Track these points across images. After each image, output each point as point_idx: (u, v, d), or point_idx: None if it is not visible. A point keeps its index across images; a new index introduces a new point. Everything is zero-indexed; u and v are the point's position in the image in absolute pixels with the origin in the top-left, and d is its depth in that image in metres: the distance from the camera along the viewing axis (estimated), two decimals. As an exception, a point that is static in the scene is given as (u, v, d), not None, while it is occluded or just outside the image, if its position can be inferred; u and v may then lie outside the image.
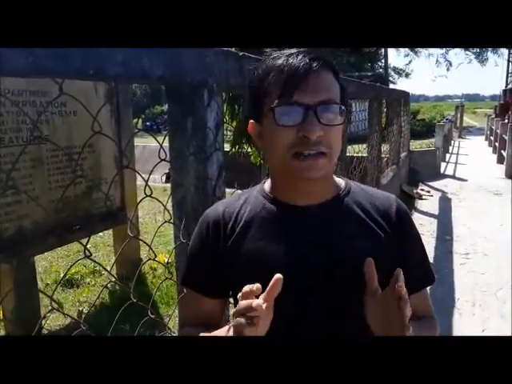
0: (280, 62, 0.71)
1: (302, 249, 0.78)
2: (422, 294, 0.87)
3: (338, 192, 0.83)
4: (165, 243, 4.34)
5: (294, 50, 0.73)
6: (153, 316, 1.03)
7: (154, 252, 1.03)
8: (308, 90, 0.70)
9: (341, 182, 0.86)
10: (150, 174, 0.85)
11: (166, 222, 0.95)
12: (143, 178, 0.86)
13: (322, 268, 0.77)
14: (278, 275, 0.64)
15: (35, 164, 2.82)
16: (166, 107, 26.76)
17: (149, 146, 9.42)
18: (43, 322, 2.97)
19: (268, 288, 0.63)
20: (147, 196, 0.82)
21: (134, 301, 0.91)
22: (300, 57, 0.71)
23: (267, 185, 0.85)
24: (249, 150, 4.27)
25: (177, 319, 2.97)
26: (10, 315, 2.84)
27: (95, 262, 0.93)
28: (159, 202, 0.90)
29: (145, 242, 0.86)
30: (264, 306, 0.61)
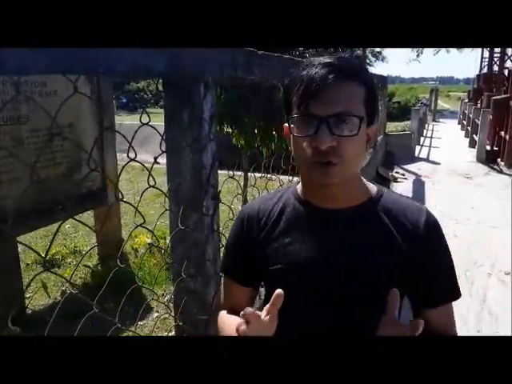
0: (303, 72, 0.75)
1: (324, 250, 0.82)
2: (444, 309, 0.86)
3: (368, 198, 0.85)
4: (147, 223, 4.36)
5: (319, 60, 0.75)
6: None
7: (154, 235, 1.08)
8: (322, 102, 0.72)
9: (373, 188, 0.88)
10: (154, 161, 0.89)
11: (166, 210, 1.00)
12: (146, 168, 0.90)
13: (341, 271, 0.81)
14: (279, 291, 0.69)
15: (15, 144, 2.78)
16: (141, 84, 26.13)
17: (125, 124, 9.29)
18: (27, 301, 2.98)
19: (269, 305, 0.70)
20: (150, 186, 0.87)
21: (140, 284, 0.96)
22: (318, 68, 0.73)
23: (299, 186, 0.89)
24: (229, 130, 4.30)
25: (161, 298, 2.99)
26: (-7, 296, 2.84)
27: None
28: (162, 191, 0.95)
29: (145, 227, 0.91)
30: (267, 318, 0.69)
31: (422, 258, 0.82)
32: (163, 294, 3.05)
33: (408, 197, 0.91)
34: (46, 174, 3.01)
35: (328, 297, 0.82)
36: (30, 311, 2.95)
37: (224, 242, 1.24)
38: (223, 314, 0.95)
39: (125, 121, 10.29)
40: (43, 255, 3.65)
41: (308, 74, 0.74)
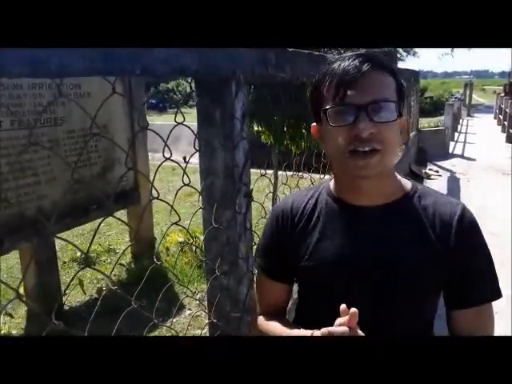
0: (334, 66, 0.77)
1: (356, 247, 0.82)
2: (478, 311, 0.82)
3: (403, 194, 0.84)
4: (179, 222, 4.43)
5: (348, 54, 0.78)
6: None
7: (189, 232, 1.09)
8: (358, 91, 0.74)
9: (407, 184, 0.87)
10: (187, 160, 0.90)
11: (200, 208, 1.01)
12: (180, 166, 0.92)
13: (373, 268, 0.81)
14: (354, 310, 0.69)
15: (52, 145, 2.88)
16: (171, 85, 26.53)
17: (155, 124, 9.46)
18: (63, 298, 3.08)
19: (347, 321, 0.70)
20: (185, 185, 0.88)
21: (175, 281, 0.97)
22: (351, 60, 0.75)
23: (332, 183, 0.89)
24: (259, 129, 4.30)
25: (195, 296, 3.04)
26: (32, 292, 2.95)
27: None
28: (196, 190, 0.96)
29: (180, 225, 0.92)
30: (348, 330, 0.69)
31: (455, 255, 0.80)
32: (195, 292, 3.09)
33: (444, 194, 0.89)
34: (81, 174, 3.10)
35: (358, 294, 0.82)
36: (67, 307, 3.05)
37: (256, 240, 1.24)
38: (266, 320, 0.95)
39: (155, 121, 10.48)
40: (82, 253, 3.77)
41: (341, 66, 0.76)
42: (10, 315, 2.85)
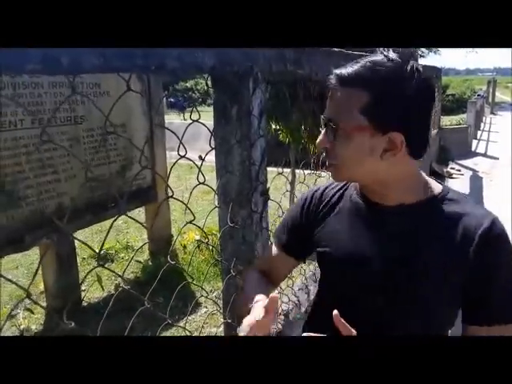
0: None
1: (369, 243, 0.82)
2: (495, 330, 0.77)
3: (429, 197, 0.81)
4: (196, 220, 4.44)
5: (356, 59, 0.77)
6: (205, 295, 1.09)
7: (204, 231, 1.08)
8: (329, 104, 0.78)
9: (437, 187, 0.84)
10: (203, 158, 0.89)
11: (216, 207, 1.00)
12: (195, 164, 0.90)
13: (382, 266, 0.80)
14: (273, 296, 0.72)
15: (72, 143, 2.91)
16: (189, 83, 26.64)
17: (174, 122, 9.52)
18: (82, 294, 3.12)
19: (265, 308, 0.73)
20: (200, 183, 0.86)
21: (189, 280, 0.96)
22: (340, 69, 0.76)
23: None
24: (276, 127, 4.27)
25: (211, 294, 3.04)
26: (52, 288, 3.00)
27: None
28: (211, 188, 0.94)
29: (194, 224, 0.91)
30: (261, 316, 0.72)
31: (475, 270, 0.76)
32: (211, 290, 3.08)
33: (477, 204, 0.84)
34: (100, 172, 3.13)
35: (371, 291, 0.82)
36: (85, 303, 3.08)
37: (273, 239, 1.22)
38: (255, 273, 1.00)
39: (174, 120, 10.53)
40: (98, 250, 3.81)
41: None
42: (30, 310, 2.89)
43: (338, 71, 0.76)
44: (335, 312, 0.69)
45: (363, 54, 2.46)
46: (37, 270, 0.68)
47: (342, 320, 0.69)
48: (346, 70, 0.75)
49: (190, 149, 0.94)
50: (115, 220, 0.81)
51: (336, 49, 1.63)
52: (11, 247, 2.57)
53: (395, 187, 0.81)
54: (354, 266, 0.84)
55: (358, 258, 0.83)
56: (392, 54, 0.74)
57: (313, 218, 0.93)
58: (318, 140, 0.80)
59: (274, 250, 1.00)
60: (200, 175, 0.89)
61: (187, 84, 26.30)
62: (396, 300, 0.80)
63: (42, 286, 3.12)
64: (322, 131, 0.79)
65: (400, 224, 0.80)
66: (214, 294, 2.96)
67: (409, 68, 0.73)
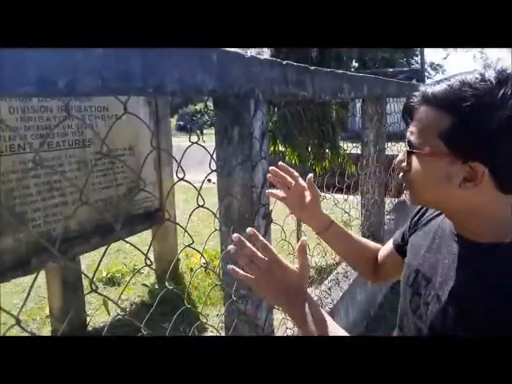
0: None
1: (437, 268, 0.79)
2: None
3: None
4: (201, 243, 4.42)
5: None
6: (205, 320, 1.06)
7: (203, 256, 1.06)
8: (411, 126, 0.73)
9: None
10: (202, 181, 0.88)
11: (216, 230, 0.98)
12: (194, 187, 0.89)
13: (441, 296, 0.76)
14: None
15: (80, 166, 2.94)
16: (199, 106, 27.01)
17: (182, 145, 9.57)
18: (88, 319, 3.09)
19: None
20: (199, 206, 0.85)
21: (188, 306, 0.94)
22: (420, 87, 0.72)
23: None
24: (282, 149, 4.28)
25: (216, 319, 2.99)
26: (57, 312, 2.97)
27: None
28: (211, 211, 0.93)
29: (193, 248, 0.90)
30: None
31: None
32: (217, 315, 3.04)
33: None
34: (107, 195, 3.14)
35: (414, 310, 0.81)
36: (90, 328, 3.05)
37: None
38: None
39: (182, 142, 10.61)
40: (104, 274, 3.80)
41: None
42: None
43: (423, 87, 0.70)
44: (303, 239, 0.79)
45: (376, 76, 2.47)
46: (29, 293, 0.66)
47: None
48: (432, 87, 0.69)
49: (201, 170, 0.93)
50: (107, 248, 0.80)
51: (340, 71, 1.63)
52: (19, 270, 2.56)
53: (480, 221, 0.72)
54: (415, 282, 0.83)
55: (422, 276, 0.82)
56: (489, 74, 0.64)
57: (413, 225, 0.95)
58: (397, 159, 0.76)
59: (389, 244, 1.06)
60: (200, 198, 0.87)
61: (196, 107, 26.65)
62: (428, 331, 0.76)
63: (47, 310, 3.10)
64: (403, 150, 0.75)
65: (472, 260, 0.73)
66: (221, 319, 2.91)
67: (502, 92, 0.62)
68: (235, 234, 0.77)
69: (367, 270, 1.12)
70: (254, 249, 0.78)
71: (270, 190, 1.04)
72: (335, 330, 0.74)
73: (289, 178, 1.01)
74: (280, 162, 1.03)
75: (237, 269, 0.79)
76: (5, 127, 2.32)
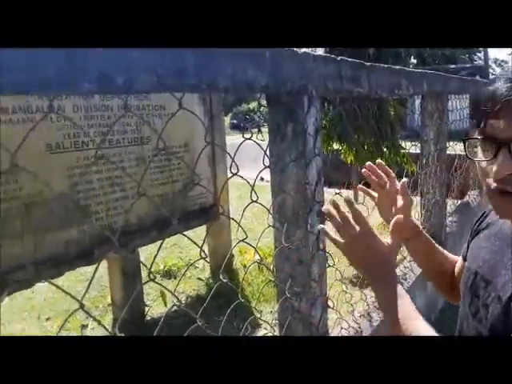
0: (489, 87, 0.64)
1: (496, 269, 0.76)
2: None
3: None
4: (254, 239, 4.46)
5: (506, 73, 0.64)
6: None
7: (257, 251, 1.07)
8: (502, 123, 0.61)
9: None
10: (255, 177, 0.88)
11: (269, 226, 0.98)
12: (248, 183, 0.90)
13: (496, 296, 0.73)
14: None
15: (138, 163, 3.05)
16: (252, 105, 27.19)
17: (237, 142, 9.67)
18: (146, 309, 3.22)
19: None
20: (253, 202, 0.85)
21: (242, 300, 0.95)
22: (502, 82, 0.62)
23: None
24: (338, 147, 4.20)
25: (269, 315, 3.00)
26: (118, 301, 3.12)
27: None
28: (264, 207, 0.93)
29: (247, 243, 0.90)
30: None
31: None
32: (271, 311, 3.05)
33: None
34: (164, 191, 3.24)
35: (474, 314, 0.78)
36: (148, 318, 3.17)
37: (331, 262, 1.18)
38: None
39: (235, 140, 10.73)
40: (162, 266, 3.93)
41: (490, 90, 0.63)
42: (98, 321, 3.03)
43: None
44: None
45: (424, 70, 2.36)
46: (90, 281, 0.70)
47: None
48: None
49: (256, 168, 0.94)
50: (162, 242, 0.82)
51: (397, 67, 1.57)
52: (83, 260, 2.71)
53: None
54: (473, 284, 0.80)
55: (480, 278, 0.78)
56: None
57: (474, 232, 0.91)
58: (498, 165, 0.62)
59: (460, 259, 1.01)
60: (254, 194, 0.87)
61: (249, 106, 26.84)
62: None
63: (109, 299, 3.26)
64: (503, 154, 0.62)
65: None
66: (275, 316, 2.92)
67: None
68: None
69: (446, 287, 1.04)
70: (348, 215, 0.76)
71: (361, 186, 1.00)
72: (413, 312, 0.72)
73: (385, 178, 0.97)
74: (378, 160, 0.99)
75: (327, 229, 0.78)
76: (72, 124, 2.45)
